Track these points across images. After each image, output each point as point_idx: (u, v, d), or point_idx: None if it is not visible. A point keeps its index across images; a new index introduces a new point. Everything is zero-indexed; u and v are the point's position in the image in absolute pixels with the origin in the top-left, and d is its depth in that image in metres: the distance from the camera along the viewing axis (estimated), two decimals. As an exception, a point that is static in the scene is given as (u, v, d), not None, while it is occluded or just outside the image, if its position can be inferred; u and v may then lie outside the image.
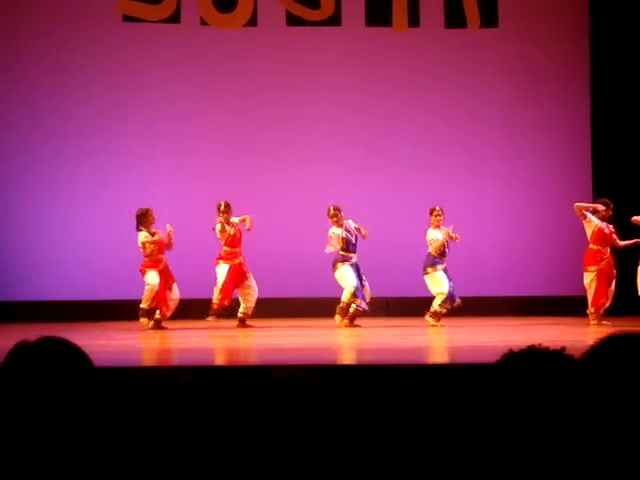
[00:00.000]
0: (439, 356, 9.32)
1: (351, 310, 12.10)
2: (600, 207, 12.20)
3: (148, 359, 9.35)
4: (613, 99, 13.91)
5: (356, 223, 12.37)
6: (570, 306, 12.86)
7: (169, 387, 2.05)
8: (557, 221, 13.57)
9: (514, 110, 14.13)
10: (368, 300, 12.23)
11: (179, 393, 2.07)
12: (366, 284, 12.26)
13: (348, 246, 12.32)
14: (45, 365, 1.79)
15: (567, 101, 14.19)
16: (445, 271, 12.25)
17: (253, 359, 8.97)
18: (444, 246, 12.30)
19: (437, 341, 10.92)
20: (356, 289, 12.10)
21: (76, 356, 1.82)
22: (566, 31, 14.21)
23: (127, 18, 13.85)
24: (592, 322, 11.96)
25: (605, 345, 2.08)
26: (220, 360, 9.35)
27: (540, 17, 14.21)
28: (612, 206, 12.11)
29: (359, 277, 12.24)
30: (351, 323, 12.05)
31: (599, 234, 12.15)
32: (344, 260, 12.29)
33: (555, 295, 13.58)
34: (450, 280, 12.20)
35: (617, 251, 12.34)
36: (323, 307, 12.49)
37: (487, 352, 7.59)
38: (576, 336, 10.09)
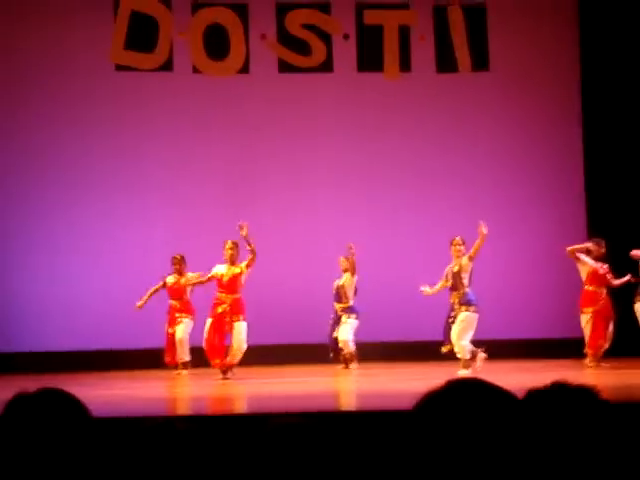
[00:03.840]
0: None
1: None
2: (592, 247, 12.18)
3: (146, 409, 9.31)
4: (606, 140, 13.98)
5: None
6: (565, 349, 12.78)
7: (165, 435, 2.03)
8: (549, 263, 13.55)
9: (507, 153, 14.19)
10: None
11: (175, 441, 2.05)
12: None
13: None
14: (43, 416, 1.77)
15: (560, 143, 14.25)
16: None
17: (249, 407, 8.92)
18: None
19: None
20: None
21: (74, 407, 1.80)
22: (557, 72, 14.31)
23: (120, 67, 13.92)
24: (590, 364, 11.88)
25: None
26: (217, 409, 9.29)
27: (532, 59, 14.32)
28: (604, 244, 12.09)
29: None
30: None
31: (594, 275, 12.13)
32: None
33: (549, 338, 13.52)
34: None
35: (614, 291, 12.31)
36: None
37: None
38: (576, 378, 10.01)
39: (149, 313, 12.20)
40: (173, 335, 12.27)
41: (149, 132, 13.83)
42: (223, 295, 11.51)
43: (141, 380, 11.37)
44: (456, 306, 11.34)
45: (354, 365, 12.44)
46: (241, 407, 9.21)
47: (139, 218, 13.70)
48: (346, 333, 12.53)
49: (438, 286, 11.60)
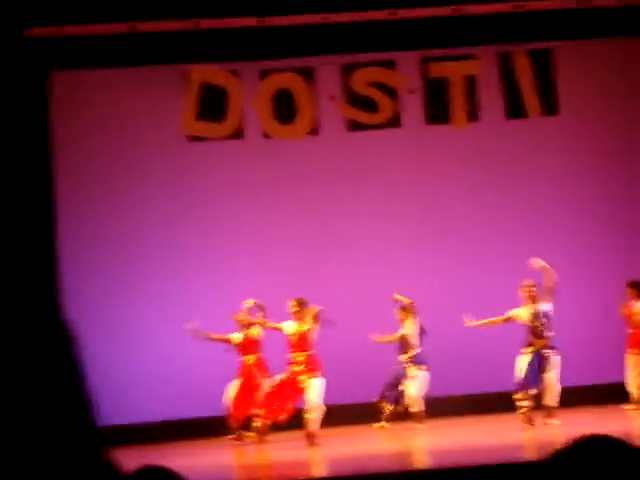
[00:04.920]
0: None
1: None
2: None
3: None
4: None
5: None
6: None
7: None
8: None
9: (576, 203, 14.02)
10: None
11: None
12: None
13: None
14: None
15: (631, 188, 14.03)
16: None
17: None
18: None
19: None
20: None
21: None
22: (626, 114, 14.14)
23: (193, 138, 14.23)
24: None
25: None
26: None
27: (601, 102, 14.19)
28: None
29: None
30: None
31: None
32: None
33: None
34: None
35: None
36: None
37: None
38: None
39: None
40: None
41: (226, 198, 14.05)
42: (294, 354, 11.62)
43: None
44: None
45: (420, 425, 12.13)
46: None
47: (223, 285, 13.82)
48: (416, 389, 12.26)
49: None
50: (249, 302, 12.28)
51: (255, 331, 12.28)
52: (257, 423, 11.80)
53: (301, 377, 11.49)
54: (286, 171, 14.20)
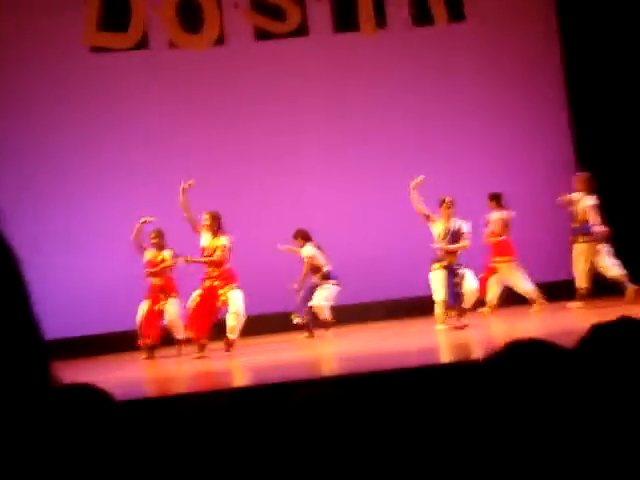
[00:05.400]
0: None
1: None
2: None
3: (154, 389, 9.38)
4: (588, 84, 13.92)
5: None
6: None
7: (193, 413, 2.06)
8: (539, 206, 13.53)
9: (489, 103, 14.18)
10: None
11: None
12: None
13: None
14: (74, 412, 1.79)
15: (542, 84, 14.23)
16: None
17: (256, 380, 8.97)
18: None
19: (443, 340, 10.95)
20: None
21: (102, 399, 1.82)
22: (535, 17, 14.28)
23: (95, 49, 13.85)
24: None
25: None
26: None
27: (507, 5, 14.28)
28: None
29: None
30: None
31: None
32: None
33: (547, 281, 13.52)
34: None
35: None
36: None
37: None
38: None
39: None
40: (157, 314, 11.92)
41: (129, 110, 13.75)
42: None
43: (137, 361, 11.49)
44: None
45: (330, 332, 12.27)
46: (248, 379, 9.28)
47: (123, 197, 13.57)
48: (321, 298, 12.37)
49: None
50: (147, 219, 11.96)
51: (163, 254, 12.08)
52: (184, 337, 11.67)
53: (220, 291, 11.41)
54: (193, 82, 13.95)
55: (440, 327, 11.46)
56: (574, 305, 12.24)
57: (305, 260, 12.48)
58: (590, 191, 12.30)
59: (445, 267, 11.63)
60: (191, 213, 11.39)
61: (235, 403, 6.02)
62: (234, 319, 11.20)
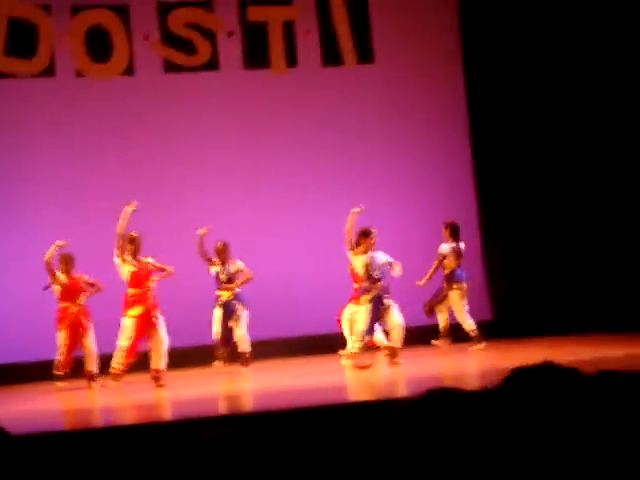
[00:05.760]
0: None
1: None
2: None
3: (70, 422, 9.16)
4: (492, 123, 14.22)
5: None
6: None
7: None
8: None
9: (394, 145, 14.29)
10: None
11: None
12: None
13: None
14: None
15: (447, 132, 14.41)
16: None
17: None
18: None
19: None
20: None
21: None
22: (441, 60, 14.47)
23: (1, 75, 13.57)
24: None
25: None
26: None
27: (415, 49, 14.44)
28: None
29: None
30: None
31: None
32: None
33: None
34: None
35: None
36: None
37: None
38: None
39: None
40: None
41: (31, 136, 13.49)
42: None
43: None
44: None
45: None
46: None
47: (31, 241, 13.25)
48: (243, 327, 12.19)
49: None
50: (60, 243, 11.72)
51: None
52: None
53: (153, 312, 11.19)
54: (100, 111, 13.75)
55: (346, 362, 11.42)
56: (477, 347, 12.38)
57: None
58: (449, 238, 12.80)
59: (371, 300, 11.48)
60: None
61: (134, 440, 5.88)
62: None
